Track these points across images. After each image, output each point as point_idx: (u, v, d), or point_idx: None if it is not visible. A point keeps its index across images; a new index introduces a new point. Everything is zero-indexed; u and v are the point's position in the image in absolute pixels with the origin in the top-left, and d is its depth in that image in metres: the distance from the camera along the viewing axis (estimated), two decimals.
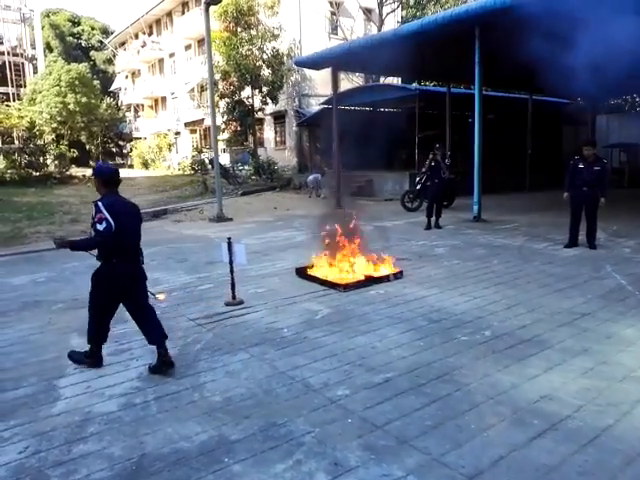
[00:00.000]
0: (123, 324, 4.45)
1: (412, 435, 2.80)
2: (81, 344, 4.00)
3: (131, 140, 40.12)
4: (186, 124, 34.72)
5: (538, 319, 4.65)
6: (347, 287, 5.76)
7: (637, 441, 2.69)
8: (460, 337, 4.25)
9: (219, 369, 3.77)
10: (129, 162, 39.45)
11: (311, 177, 18.08)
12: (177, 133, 36.17)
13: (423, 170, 11.58)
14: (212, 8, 13.29)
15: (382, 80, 23.45)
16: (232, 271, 5.34)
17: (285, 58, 22.63)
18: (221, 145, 25.45)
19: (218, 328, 4.68)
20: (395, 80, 23.21)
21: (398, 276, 6.23)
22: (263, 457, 2.66)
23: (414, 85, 20.10)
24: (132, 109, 42.36)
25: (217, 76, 21.18)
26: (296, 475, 2.50)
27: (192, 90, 32.06)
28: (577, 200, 7.84)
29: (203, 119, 30.62)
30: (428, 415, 3.01)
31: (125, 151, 42.21)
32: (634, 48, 10.02)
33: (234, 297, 5.40)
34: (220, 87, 22.00)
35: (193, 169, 24.50)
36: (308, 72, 22.88)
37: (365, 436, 2.81)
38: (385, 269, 6.34)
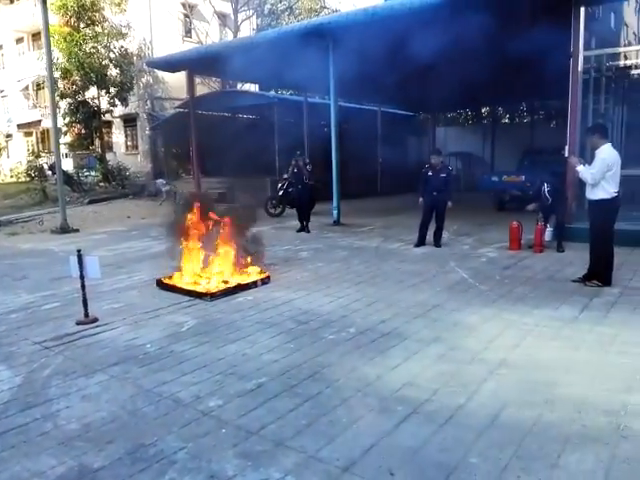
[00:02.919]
0: None
1: (287, 436, 2.84)
2: None
3: None
4: (19, 126, 31.09)
5: (396, 313, 5.00)
6: (214, 296, 5.63)
7: (485, 415, 3.01)
8: (327, 336, 4.41)
9: (74, 394, 3.42)
10: None
11: (158, 181, 17.54)
12: (8, 136, 32.17)
13: (285, 176, 11.84)
14: (50, 0, 12.14)
15: (240, 86, 23.44)
16: (83, 286, 4.88)
17: (135, 58, 21.49)
18: (63, 149, 23.32)
19: (69, 350, 4.24)
20: (253, 87, 23.35)
21: (265, 281, 6.26)
22: None
23: (272, 93, 20.40)
24: None
25: (57, 74, 19.35)
26: None
27: (26, 88, 28.91)
28: (428, 204, 8.61)
29: (40, 120, 27.78)
30: (302, 415, 3.07)
31: None
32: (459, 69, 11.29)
33: (87, 315, 4.93)
34: (61, 86, 20.15)
35: (29, 176, 21.95)
36: (161, 74, 21.99)
37: (241, 444, 2.78)
38: (252, 275, 6.33)
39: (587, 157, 6.54)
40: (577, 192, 8.38)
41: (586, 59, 8.79)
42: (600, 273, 5.86)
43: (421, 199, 8.69)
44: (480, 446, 2.70)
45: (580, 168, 5.85)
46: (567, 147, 8.60)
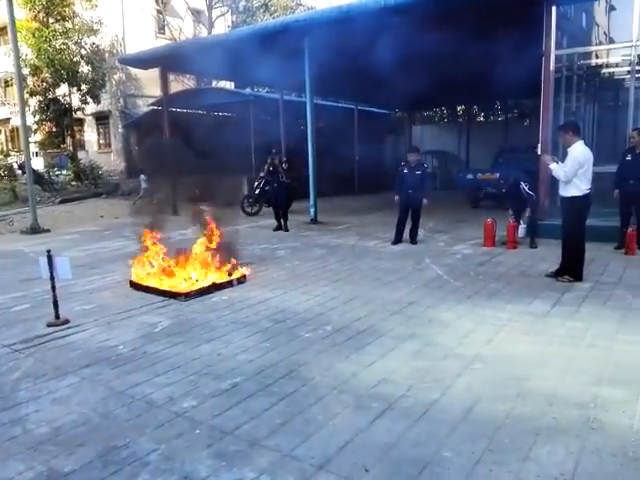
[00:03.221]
0: None
1: (262, 435, 2.81)
2: None
3: None
4: None
5: (372, 310, 5.01)
6: (188, 296, 5.56)
7: (459, 410, 3.03)
8: (304, 334, 4.39)
9: (44, 397, 3.35)
10: None
11: (141, 176, 17.17)
12: None
13: (261, 175, 11.76)
14: None
15: (215, 84, 23.22)
16: (54, 288, 4.78)
17: (107, 55, 21.09)
18: (33, 148, 22.80)
19: (40, 352, 4.15)
20: (229, 84, 23.17)
21: (241, 280, 6.21)
22: None
23: (248, 90, 20.27)
24: None
25: (26, 71, 18.88)
26: None
27: None
28: (404, 202, 8.64)
29: (9, 118, 27.13)
30: (277, 414, 3.05)
31: None
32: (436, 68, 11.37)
33: (58, 316, 4.84)
34: (30, 83, 19.66)
35: None
36: (134, 71, 21.62)
37: (215, 444, 2.74)
38: (228, 274, 6.27)
39: (560, 155, 6.65)
40: (549, 189, 8.53)
41: (558, 58, 8.94)
42: (572, 268, 5.97)
43: (397, 197, 8.72)
44: (453, 440, 2.73)
45: (553, 166, 5.94)
46: (540, 145, 8.74)
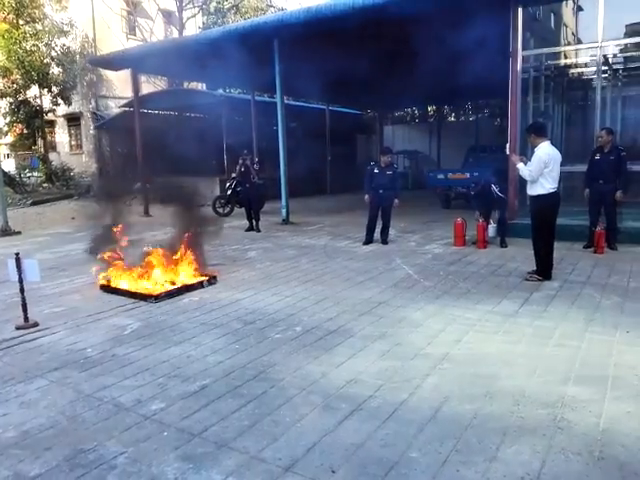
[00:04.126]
0: None
1: (230, 437, 2.81)
2: None
3: None
4: None
5: (343, 310, 5.04)
6: (158, 297, 5.52)
7: (427, 410, 3.06)
8: (274, 335, 4.40)
9: (12, 401, 3.31)
10: None
11: None
12: None
13: (233, 175, 11.71)
14: None
15: (186, 85, 23.03)
16: (22, 290, 4.72)
17: (78, 57, 20.79)
18: (4, 149, 22.31)
19: (8, 356, 4.10)
20: (200, 86, 22.99)
21: (212, 282, 6.18)
22: None
23: (219, 92, 20.15)
24: None
25: None
26: None
27: None
28: (374, 202, 8.66)
29: None
30: (245, 415, 3.05)
31: None
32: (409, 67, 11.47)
33: (26, 319, 4.77)
34: (0, 85, 19.29)
35: None
36: (105, 72, 21.33)
37: (183, 447, 2.74)
38: (198, 275, 6.24)
39: (529, 154, 6.78)
40: (518, 189, 8.69)
41: (525, 58, 9.08)
42: (542, 267, 6.05)
43: (367, 196, 8.73)
44: (421, 440, 2.74)
45: (520, 165, 6.06)
46: (508, 145, 8.88)
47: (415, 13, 8.81)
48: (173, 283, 5.95)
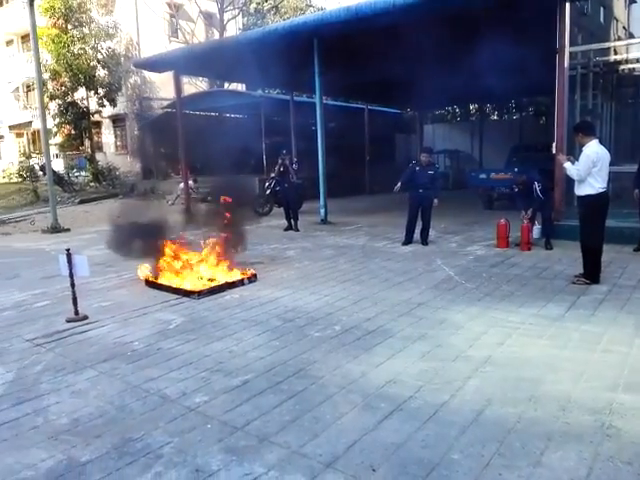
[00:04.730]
0: None
1: (272, 432, 2.86)
2: None
3: None
4: (11, 127, 30.99)
5: (381, 311, 5.02)
6: (201, 294, 5.65)
7: (469, 412, 3.02)
8: (313, 333, 4.43)
9: (64, 390, 3.47)
10: None
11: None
12: (0, 137, 32.12)
13: (272, 175, 11.83)
14: (37, 2, 12.17)
15: (227, 86, 23.40)
16: (73, 285, 4.93)
17: (122, 59, 21.44)
18: (54, 150, 23.22)
19: (60, 347, 4.29)
20: (240, 87, 23.32)
21: (252, 280, 6.28)
22: (119, 474, 2.52)
23: (259, 92, 20.41)
24: None
25: (46, 76, 19.29)
26: None
27: (17, 90, 28.79)
28: (414, 201, 8.57)
29: (31, 122, 27.72)
30: (286, 411, 3.09)
31: None
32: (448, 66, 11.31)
33: (77, 313, 4.99)
34: (50, 87, 20.09)
35: (21, 176, 21.98)
36: (148, 74, 21.91)
37: (226, 439, 2.80)
38: (239, 273, 6.34)
39: (576, 153, 6.58)
40: (565, 189, 8.44)
41: (573, 55, 8.81)
42: (590, 270, 5.87)
43: (399, 184, 8.48)
44: (462, 443, 2.71)
45: (567, 165, 5.90)
46: (555, 144, 8.64)
47: (457, 10, 8.69)
48: (214, 280, 6.06)
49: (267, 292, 5.81)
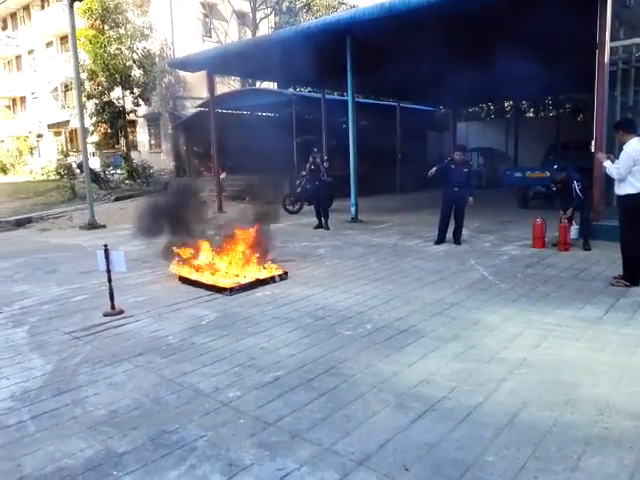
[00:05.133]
0: None
1: (304, 428, 2.87)
2: None
3: None
4: (50, 126, 32.01)
5: (413, 310, 4.98)
6: (233, 290, 5.72)
7: (504, 414, 2.97)
8: (344, 332, 4.43)
9: (101, 382, 3.56)
10: None
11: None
12: (39, 135, 33.19)
13: (303, 173, 11.87)
14: (76, 4, 12.48)
15: (258, 85, 23.58)
16: (110, 280, 5.06)
17: (157, 59, 21.86)
18: (90, 148, 23.85)
19: (97, 340, 4.41)
20: (271, 85, 23.46)
21: (283, 277, 6.32)
22: (155, 466, 2.57)
23: (290, 90, 20.51)
24: None
25: (83, 75, 19.82)
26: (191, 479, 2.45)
27: (55, 90, 29.73)
28: (448, 200, 8.45)
29: (69, 121, 28.51)
30: (318, 408, 3.10)
31: None
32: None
33: (113, 307, 5.12)
34: (87, 87, 20.64)
35: (59, 174, 22.67)
36: (182, 74, 22.29)
37: (258, 434, 2.82)
38: (270, 271, 6.39)
39: (616, 152, 6.38)
40: (604, 188, 8.19)
41: (614, 50, 8.53)
42: (629, 272, 5.69)
43: (434, 168, 8.25)
44: (497, 445, 2.67)
45: (607, 164, 5.75)
46: (594, 142, 8.39)
47: (493, 5, 8.52)
48: (246, 277, 6.13)
49: (298, 290, 5.83)
